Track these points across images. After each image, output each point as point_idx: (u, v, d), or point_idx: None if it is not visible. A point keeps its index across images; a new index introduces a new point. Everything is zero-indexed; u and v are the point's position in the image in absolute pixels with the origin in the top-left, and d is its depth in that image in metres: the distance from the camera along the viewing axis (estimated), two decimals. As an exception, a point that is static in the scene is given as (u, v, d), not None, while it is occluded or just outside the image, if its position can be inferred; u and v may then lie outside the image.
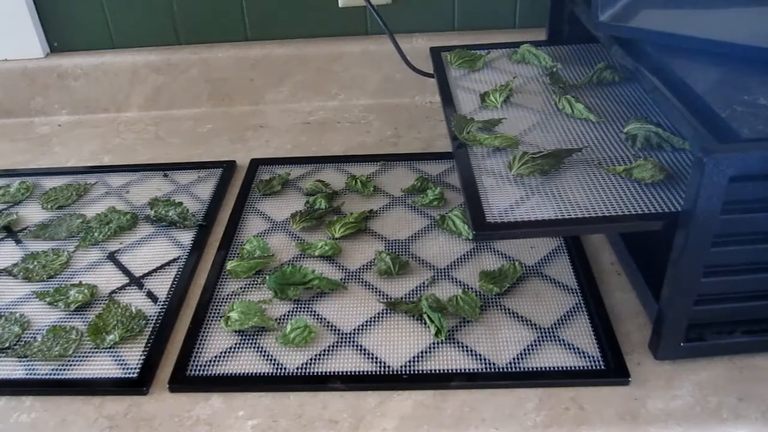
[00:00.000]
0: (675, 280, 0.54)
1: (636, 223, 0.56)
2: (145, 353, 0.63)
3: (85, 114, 1.07)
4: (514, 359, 0.61)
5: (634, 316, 0.65)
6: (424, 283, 0.70)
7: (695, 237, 0.51)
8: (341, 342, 0.63)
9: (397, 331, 0.64)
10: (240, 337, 0.65)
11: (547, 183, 0.60)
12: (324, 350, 0.63)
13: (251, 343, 0.64)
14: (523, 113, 0.73)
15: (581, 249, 0.72)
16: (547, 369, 0.60)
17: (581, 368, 0.59)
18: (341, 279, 0.71)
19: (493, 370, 0.60)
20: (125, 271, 0.74)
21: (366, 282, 0.70)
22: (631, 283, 0.68)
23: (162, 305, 0.69)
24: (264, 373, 0.61)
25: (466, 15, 1.01)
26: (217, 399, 0.59)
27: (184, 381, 0.61)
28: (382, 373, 0.60)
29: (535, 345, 0.62)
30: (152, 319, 0.67)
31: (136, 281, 0.72)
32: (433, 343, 0.63)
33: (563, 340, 0.62)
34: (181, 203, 0.83)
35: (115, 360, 0.63)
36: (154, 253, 0.76)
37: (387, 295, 0.68)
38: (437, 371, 0.60)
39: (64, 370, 0.62)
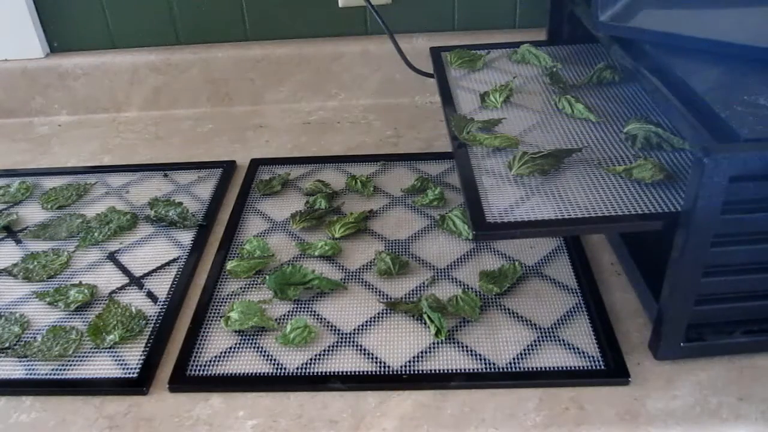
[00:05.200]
0: (675, 280, 0.54)
1: (636, 223, 0.56)
2: (145, 353, 0.63)
3: (85, 114, 1.07)
4: (514, 359, 0.61)
5: (634, 316, 0.65)
6: (424, 283, 0.70)
7: (695, 237, 0.51)
8: (341, 342, 0.63)
9: (397, 331, 0.64)
10: (240, 337, 0.65)
11: (547, 183, 0.60)
12: (324, 350, 0.63)
13: (251, 343, 0.64)
14: (523, 113, 0.73)
15: (581, 249, 0.72)
16: (547, 369, 0.60)
17: (581, 368, 0.59)
18: (341, 279, 0.71)
19: (493, 370, 0.60)
20: (125, 271, 0.74)
21: (366, 282, 0.70)
22: (631, 283, 0.68)
23: (162, 305, 0.69)
24: (264, 373, 0.61)
25: (466, 15, 1.01)
26: (217, 399, 0.59)
27: (184, 381, 0.61)
28: (382, 373, 0.60)
29: (535, 345, 0.62)
30: (152, 319, 0.67)
31: (136, 281, 0.72)
32: (433, 343, 0.63)
33: (563, 340, 0.62)
34: (181, 203, 0.83)
35: (115, 360, 0.63)
36: (154, 253, 0.76)
37: (387, 295, 0.68)
38: (437, 371, 0.60)
39: (64, 370, 0.62)
